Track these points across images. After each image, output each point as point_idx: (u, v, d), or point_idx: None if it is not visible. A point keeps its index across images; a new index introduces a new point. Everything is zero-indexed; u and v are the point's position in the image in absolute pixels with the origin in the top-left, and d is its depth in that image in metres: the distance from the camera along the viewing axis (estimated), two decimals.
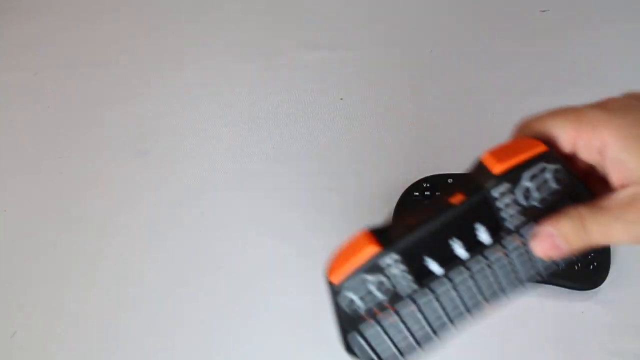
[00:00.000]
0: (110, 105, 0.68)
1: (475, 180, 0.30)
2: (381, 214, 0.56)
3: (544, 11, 0.75)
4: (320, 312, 0.51)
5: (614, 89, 0.70)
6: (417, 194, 0.55)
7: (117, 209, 0.59)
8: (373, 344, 0.32)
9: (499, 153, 0.31)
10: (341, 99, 0.67)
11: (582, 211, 0.30)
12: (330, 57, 0.71)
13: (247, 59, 0.72)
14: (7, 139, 0.66)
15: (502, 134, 0.63)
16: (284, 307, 0.51)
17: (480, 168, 0.30)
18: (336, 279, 0.30)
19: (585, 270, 0.50)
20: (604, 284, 0.50)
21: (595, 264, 0.50)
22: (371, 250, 0.29)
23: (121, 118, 0.67)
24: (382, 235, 0.30)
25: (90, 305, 0.52)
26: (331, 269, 0.30)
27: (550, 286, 0.51)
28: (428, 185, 0.56)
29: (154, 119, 0.67)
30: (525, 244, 0.32)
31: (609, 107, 0.29)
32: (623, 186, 0.29)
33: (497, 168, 0.30)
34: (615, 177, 0.29)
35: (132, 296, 0.52)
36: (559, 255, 0.31)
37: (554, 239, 0.30)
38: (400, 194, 0.56)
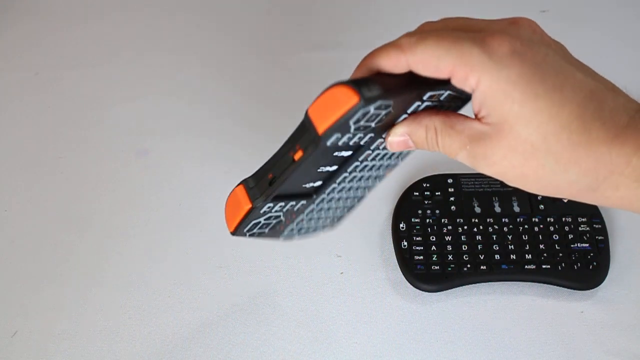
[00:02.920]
0: (110, 105, 0.68)
1: (309, 133, 0.33)
2: (381, 214, 0.56)
3: (544, 11, 0.75)
4: (321, 311, 0.51)
5: None
6: (417, 194, 0.55)
7: (117, 209, 0.59)
8: (299, 229, 0.42)
9: (321, 108, 0.32)
10: None
11: (437, 124, 0.33)
12: (330, 57, 0.71)
13: (247, 59, 0.73)
14: (7, 139, 0.66)
15: None
16: (284, 306, 0.51)
17: (309, 121, 0.33)
18: (231, 229, 0.39)
19: (585, 270, 0.50)
20: (603, 284, 0.50)
21: (595, 263, 0.50)
22: (246, 207, 0.37)
23: (121, 118, 0.67)
24: (252, 189, 0.37)
25: (90, 305, 0.52)
26: (227, 221, 0.39)
27: (550, 286, 0.51)
28: (428, 185, 0.56)
29: (154, 119, 0.67)
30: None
31: (492, 52, 0.30)
32: (479, 119, 0.32)
33: (321, 127, 0.32)
34: (476, 108, 0.32)
35: (132, 296, 0.52)
36: (409, 149, 0.35)
37: (407, 141, 0.34)
38: (400, 194, 0.56)
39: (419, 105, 0.34)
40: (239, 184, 0.38)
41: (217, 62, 0.72)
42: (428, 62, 0.31)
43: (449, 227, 0.53)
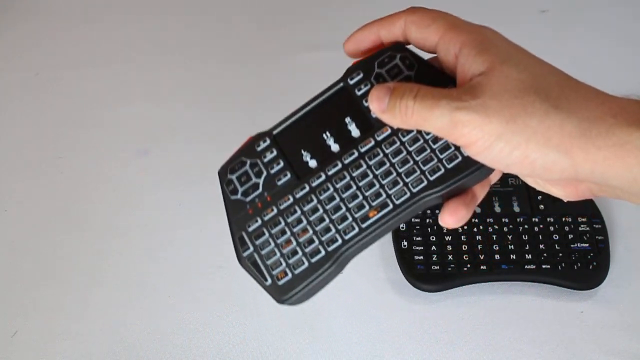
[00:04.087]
0: (110, 105, 0.68)
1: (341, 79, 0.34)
2: None
3: (544, 11, 0.75)
4: (321, 311, 0.51)
5: (614, 89, 0.70)
6: None
7: (117, 209, 0.59)
8: (258, 245, 0.34)
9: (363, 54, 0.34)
10: None
11: (423, 87, 0.31)
12: (330, 57, 0.71)
13: (247, 59, 0.73)
14: (7, 139, 0.66)
15: None
16: (284, 306, 0.51)
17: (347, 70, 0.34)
18: (220, 166, 0.35)
19: (585, 270, 0.50)
20: (603, 283, 0.50)
21: (595, 263, 0.50)
22: (248, 138, 0.35)
23: (121, 118, 0.67)
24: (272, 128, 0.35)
25: (90, 305, 0.52)
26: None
27: (550, 286, 0.51)
28: None
29: (154, 119, 0.67)
30: (398, 137, 0.33)
31: (464, 22, 0.33)
32: (461, 83, 0.31)
33: (355, 61, 0.33)
34: (462, 73, 0.31)
35: (132, 296, 0.52)
36: (378, 110, 0.31)
37: (385, 99, 0.31)
38: None
39: None
40: None
41: (217, 63, 0.72)
42: (421, 31, 0.33)
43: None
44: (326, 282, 0.33)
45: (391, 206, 0.32)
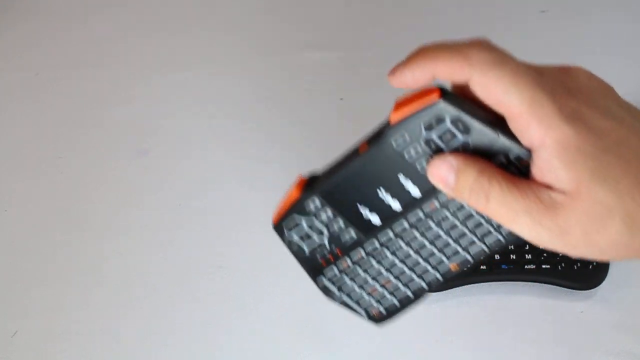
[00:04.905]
0: (110, 105, 0.68)
1: (382, 129, 0.30)
2: None
3: (544, 11, 0.75)
4: (321, 311, 0.51)
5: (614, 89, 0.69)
6: None
7: (117, 209, 0.59)
8: (342, 288, 0.34)
9: (402, 102, 0.30)
10: (341, 99, 0.67)
11: (495, 175, 0.28)
12: (330, 57, 0.71)
13: (247, 58, 0.73)
14: (7, 139, 0.66)
15: None
16: (284, 306, 0.51)
17: (387, 118, 0.30)
18: (274, 219, 0.34)
19: (585, 270, 0.50)
20: (603, 283, 0.50)
21: (595, 263, 0.50)
22: (295, 194, 0.32)
23: (121, 118, 0.67)
24: (312, 180, 0.33)
25: (90, 305, 0.52)
26: (274, 213, 0.34)
27: (550, 286, 0.51)
28: None
29: (154, 119, 0.67)
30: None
31: (561, 107, 0.27)
32: (544, 184, 0.28)
33: (393, 117, 0.29)
34: (537, 172, 0.28)
35: (132, 296, 0.52)
36: (444, 190, 0.29)
37: (449, 177, 0.28)
38: None
39: (502, 164, 0.29)
40: (305, 177, 0.34)
41: (217, 62, 0.72)
42: (494, 91, 0.27)
43: None
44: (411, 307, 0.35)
45: (471, 261, 0.32)
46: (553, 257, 0.51)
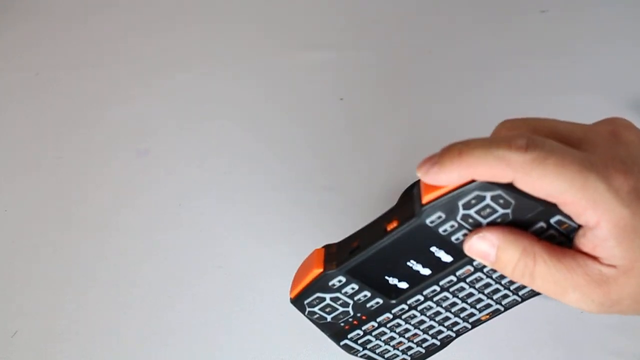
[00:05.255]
0: (110, 105, 0.68)
1: (411, 204, 0.29)
2: (379, 214, 0.56)
3: (544, 12, 0.75)
4: None
5: (614, 89, 0.70)
6: None
7: (117, 209, 0.59)
8: (367, 346, 0.33)
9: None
10: (341, 99, 0.67)
11: (539, 251, 0.27)
12: (330, 57, 0.71)
13: (247, 58, 0.73)
14: (7, 139, 0.66)
15: None
16: (284, 306, 0.51)
17: (417, 190, 0.28)
18: (292, 295, 0.33)
19: None
20: None
21: None
22: (316, 272, 0.31)
23: (121, 118, 0.67)
24: (331, 255, 0.31)
25: (90, 305, 0.52)
26: (291, 285, 0.33)
27: None
28: None
29: (154, 119, 0.67)
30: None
31: (618, 189, 0.25)
32: (597, 259, 0.27)
33: (426, 197, 0.28)
34: (589, 247, 0.27)
35: (132, 296, 0.52)
36: (484, 263, 0.28)
37: (490, 253, 0.27)
38: (400, 194, 0.56)
39: (542, 228, 0.28)
40: (322, 247, 0.32)
41: (217, 62, 0.72)
42: (541, 187, 0.26)
43: None
44: None
45: (503, 311, 0.32)
46: None
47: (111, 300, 0.52)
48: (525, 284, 0.28)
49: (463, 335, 0.49)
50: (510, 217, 0.27)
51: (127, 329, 0.50)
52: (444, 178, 0.27)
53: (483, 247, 0.27)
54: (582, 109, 0.64)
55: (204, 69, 0.71)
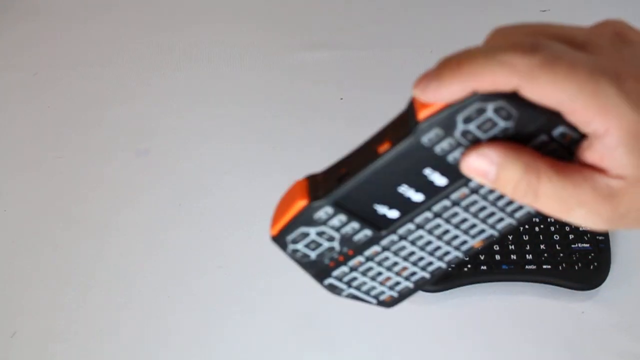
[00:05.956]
0: (110, 105, 0.68)
1: (405, 123, 0.26)
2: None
3: (544, 11, 0.75)
4: (321, 311, 0.51)
5: None
6: None
7: (117, 209, 0.59)
8: (352, 284, 0.32)
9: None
10: (341, 99, 0.67)
11: (542, 167, 0.25)
12: (330, 57, 0.71)
13: (247, 58, 0.72)
14: (7, 139, 0.66)
15: None
16: (283, 306, 0.51)
17: (410, 109, 0.26)
18: (274, 232, 0.30)
19: (586, 270, 0.50)
20: (605, 284, 0.50)
21: (596, 264, 0.50)
22: (301, 203, 0.28)
23: (121, 118, 0.67)
24: (316, 185, 0.29)
25: (90, 305, 0.52)
26: (272, 221, 0.30)
27: (551, 286, 0.50)
28: None
29: (154, 119, 0.67)
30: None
31: (629, 93, 0.24)
32: (603, 171, 0.25)
33: (422, 113, 0.25)
34: (596, 157, 0.25)
35: (132, 296, 0.52)
36: (482, 182, 0.26)
37: (490, 171, 0.25)
38: None
39: (543, 142, 0.26)
40: (304, 177, 0.30)
41: (217, 62, 0.72)
42: (551, 94, 0.24)
43: None
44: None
45: (497, 236, 0.29)
46: (554, 258, 0.50)
47: (111, 300, 0.52)
48: (527, 204, 0.26)
49: (464, 335, 0.49)
50: (511, 131, 0.25)
51: (127, 329, 0.50)
52: (445, 93, 0.25)
53: (482, 165, 0.25)
54: None
55: (203, 69, 0.71)
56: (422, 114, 0.25)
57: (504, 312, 0.50)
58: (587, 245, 0.51)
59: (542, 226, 0.52)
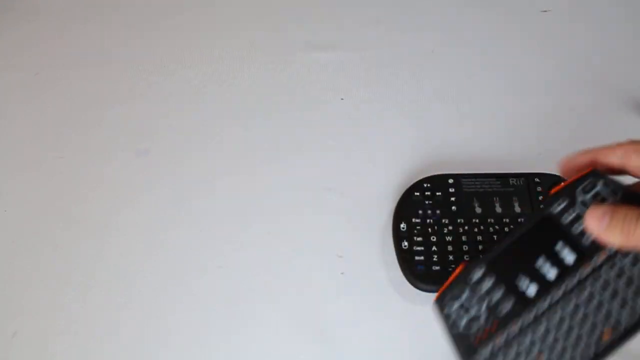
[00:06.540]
0: (110, 105, 0.68)
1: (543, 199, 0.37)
2: (382, 214, 0.56)
3: (545, 11, 0.75)
4: (320, 311, 0.51)
5: (615, 89, 0.70)
6: (418, 194, 0.55)
7: (117, 209, 0.59)
8: None
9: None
10: (341, 99, 0.67)
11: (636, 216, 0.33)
12: (330, 57, 0.71)
13: (247, 59, 0.72)
14: (7, 139, 0.66)
15: (502, 135, 0.63)
16: (283, 306, 0.51)
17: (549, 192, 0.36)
18: (436, 296, 0.36)
19: None
20: None
21: None
22: (460, 267, 0.36)
23: (121, 118, 0.67)
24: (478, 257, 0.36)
25: (90, 305, 0.52)
26: (438, 293, 0.37)
27: None
28: (429, 185, 0.56)
29: (154, 119, 0.67)
30: (616, 260, 0.34)
31: None
32: None
33: (554, 190, 0.35)
34: None
35: (132, 296, 0.52)
36: (597, 231, 0.34)
37: (605, 218, 0.33)
38: (401, 194, 0.56)
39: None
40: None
41: (217, 62, 0.72)
42: None
43: (450, 227, 0.53)
44: None
45: (623, 328, 0.33)
46: None
47: (111, 300, 0.52)
48: (637, 241, 0.32)
49: None
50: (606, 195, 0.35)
51: (126, 329, 0.50)
52: (573, 164, 0.38)
53: (599, 213, 0.33)
54: (583, 109, 0.64)
55: (203, 69, 0.71)
56: (552, 190, 0.35)
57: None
58: None
59: None
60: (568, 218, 0.34)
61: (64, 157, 0.64)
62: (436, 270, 0.50)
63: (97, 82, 0.71)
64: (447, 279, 0.50)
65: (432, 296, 0.50)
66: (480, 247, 0.51)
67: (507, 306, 0.34)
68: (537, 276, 0.34)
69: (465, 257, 0.51)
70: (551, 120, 0.63)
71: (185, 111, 0.68)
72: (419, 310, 0.50)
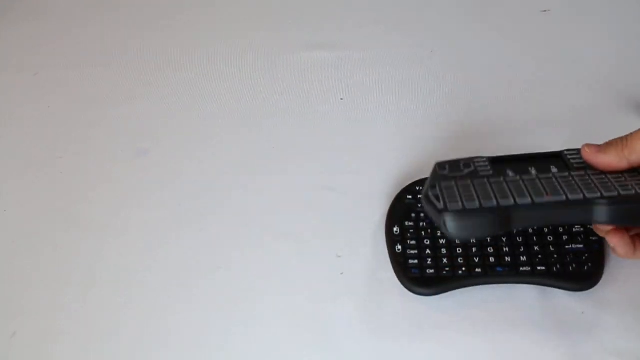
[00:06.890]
0: (110, 105, 0.68)
1: None
2: (382, 214, 0.56)
3: (545, 11, 0.75)
4: (320, 311, 0.51)
5: (615, 89, 0.70)
6: (410, 197, 0.55)
7: (117, 209, 0.59)
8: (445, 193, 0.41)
9: None
10: (341, 99, 0.67)
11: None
12: (330, 57, 0.71)
13: (247, 58, 0.73)
14: (7, 139, 0.66)
15: (502, 134, 0.62)
16: (283, 307, 0.51)
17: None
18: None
19: (580, 271, 0.50)
20: (600, 284, 0.50)
21: (590, 264, 0.50)
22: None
23: (121, 118, 0.67)
24: None
25: (90, 305, 0.52)
26: None
27: (549, 287, 0.50)
28: (421, 188, 0.55)
29: (154, 119, 0.67)
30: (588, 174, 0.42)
31: None
32: None
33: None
34: None
35: (132, 296, 0.52)
36: (593, 150, 0.42)
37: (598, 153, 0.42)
38: (393, 197, 0.56)
39: None
40: None
41: (217, 61, 0.72)
42: None
43: None
44: (484, 232, 0.44)
45: (564, 197, 0.39)
46: (548, 259, 0.50)
47: (110, 301, 0.52)
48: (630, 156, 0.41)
49: (462, 337, 0.49)
50: None
51: (126, 329, 0.50)
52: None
53: (592, 149, 0.43)
54: (583, 109, 0.64)
55: (203, 69, 0.71)
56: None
57: (502, 314, 0.50)
58: (581, 246, 0.51)
59: (535, 228, 0.52)
60: (574, 160, 0.43)
61: (64, 157, 0.64)
62: (430, 274, 0.50)
63: (97, 82, 0.71)
64: (441, 283, 0.50)
65: (428, 299, 0.50)
66: (473, 249, 0.51)
67: (485, 174, 0.43)
68: (520, 171, 0.42)
69: (459, 260, 0.51)
70: (551, 120, 0.63)
71: (185, 111, 0.68)
72: (415, 314, 0.50)
